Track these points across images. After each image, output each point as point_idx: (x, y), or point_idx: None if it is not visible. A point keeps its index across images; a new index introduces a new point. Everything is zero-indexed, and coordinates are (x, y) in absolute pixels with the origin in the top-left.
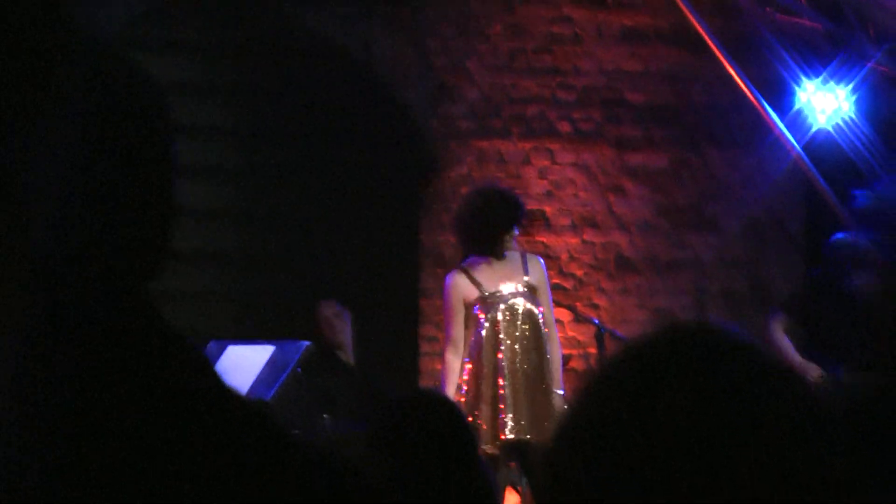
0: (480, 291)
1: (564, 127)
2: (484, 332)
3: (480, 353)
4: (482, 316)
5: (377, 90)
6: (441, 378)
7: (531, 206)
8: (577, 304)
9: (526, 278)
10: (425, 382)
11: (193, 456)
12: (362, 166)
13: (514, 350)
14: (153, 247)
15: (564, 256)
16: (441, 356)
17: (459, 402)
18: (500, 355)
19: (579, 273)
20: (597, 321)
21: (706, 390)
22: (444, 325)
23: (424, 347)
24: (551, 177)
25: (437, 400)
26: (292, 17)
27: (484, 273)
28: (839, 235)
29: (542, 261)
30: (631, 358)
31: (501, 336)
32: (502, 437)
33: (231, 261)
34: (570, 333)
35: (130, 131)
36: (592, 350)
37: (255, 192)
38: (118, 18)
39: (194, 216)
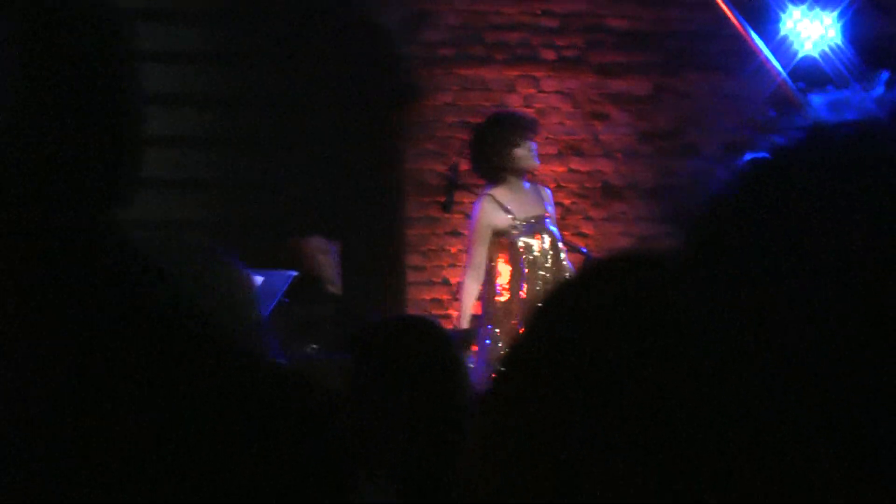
0: (509, 217)
1: (548, 54)
2: (512, 259)
3: (520, 277)
4: (506, 245)
5: (355, 15)
6: (460, 302)
7: None
8: (566, 232)
9: (542, 209)
10: (412, 311)
11: (160, 374)
12: (343, 93)
13: (544, 276)
14: (122, 173)
15: (553, 185)
16: (461, 281)
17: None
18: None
19: (567, 202)
20: (584, 249)
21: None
22: (466, 249)
23: (411, 276)
24: (537, 105)
25: (424, 323)
26: None
27: (511, 200)
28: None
29: (550, 193)
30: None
31: (529, 264)
32: None
33: (213, 189)
34: None
35: (92, 54)
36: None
37: (235, 119)
38: None
39: (176, 144)
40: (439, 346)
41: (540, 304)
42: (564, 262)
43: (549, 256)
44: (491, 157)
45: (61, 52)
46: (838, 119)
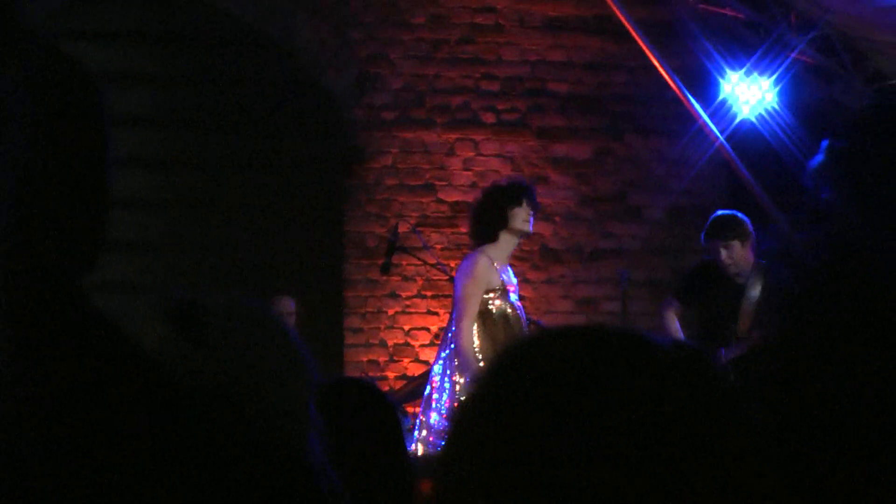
0: (501, 283)
1: (488, 118)
2: (497, 322)
3: (494, 339)
4: (495, 306)
5: (301, 79)
6: (463, 349)
7: (455, 197)
8: None
9: (514, 280)
10: (350, 373)
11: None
12: (287, 155)
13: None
14: (90, 238)
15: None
16: (458, 331)
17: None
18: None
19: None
20: (541, 322)
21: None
22: (458, 301)
23: (349, 339)
24: (476, 168)
25: (366, 386)
26: (215, 4)
27: (501, 265)
28: (718, 213)
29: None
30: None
31: (504, 329)
32: None
33: (157, 250)
34: None
35: (65, 123)
36: None
37: (179, 181)
38: (43, 8)
39: (118, 205)
40: (378, 408)
41: (496, 371)
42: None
43: (517, 326)
44: (491, 212)
45: (47, 133)
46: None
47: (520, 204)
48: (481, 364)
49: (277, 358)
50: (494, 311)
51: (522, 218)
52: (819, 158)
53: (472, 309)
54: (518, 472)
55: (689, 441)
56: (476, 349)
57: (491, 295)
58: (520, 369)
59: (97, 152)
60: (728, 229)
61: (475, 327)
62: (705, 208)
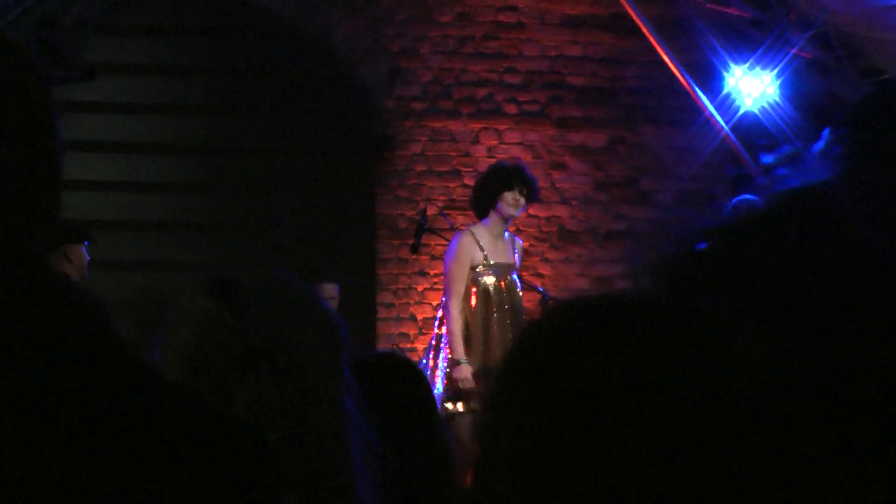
0: (484, 257)
1: (510, 108)
2: (477, 298)
3: (474, 312)
4: (482, 279)
5: (337, 71)
6: (449, 329)
7: None
8: (524, 273)
9: (516, 256)
10: (382, 345)
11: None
12: (323, 143)
13: (503, 320)
14: (34, 209)
15: (511, 229)
16: (446, 309)
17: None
18: (491, 325)
19: (525, 244)
20: (541, 289)
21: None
22: (447, 279)
23: (382, 313)
24: (499, 155)
25: (398, 359)
26: (258, 2)
27: (488, 243)
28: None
29: (521, 244)
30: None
31: (493, 305)
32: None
33: (203, 231)
34: None
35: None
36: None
37: (223, 166)
38: (97, 5)
39: (166, 190)
40: (413, 380)
41: (518, 349)
42: (519, 304)
43: (506, 304)
44: (484, 192)
45: None
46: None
47: (510, 188)
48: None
49: (310, 325)
50: (481, 284)
51: (508, 202)
52: (820, 145)
53: (457, 287)
54: (553, 445)
55: (715, 393)
56: (468, 322)
57: (479, 269)
58: (547, 341)
59: (35, 132)
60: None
61: (472, 301)
62: (710, 193)
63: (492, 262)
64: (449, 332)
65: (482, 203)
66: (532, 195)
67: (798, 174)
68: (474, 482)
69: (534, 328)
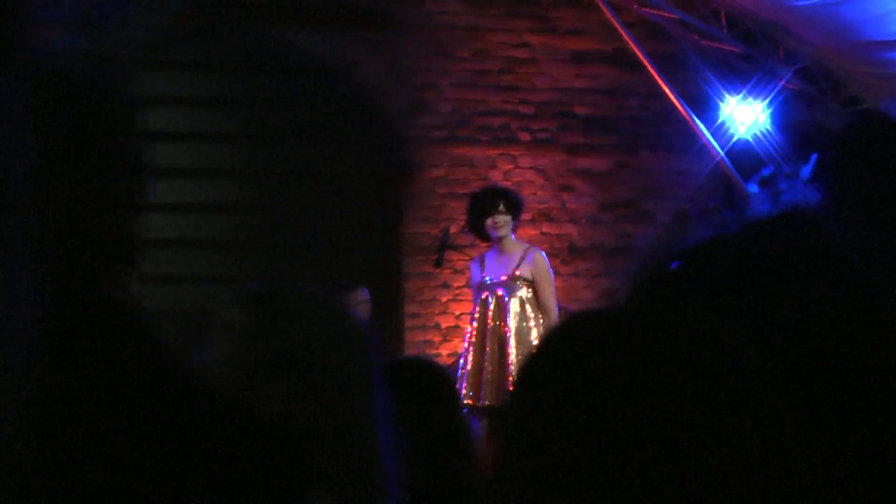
0: (482, 276)
1: (524, 136)
2: (475, 313)
3: (471, 328)
4: (480, 297)
5: (364, 103)
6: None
7: None
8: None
9: (517, 272)
10: (409, 351)
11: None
12: (353, 169)
13: (492, 332)
14: (118, 238)
15: (542, 247)
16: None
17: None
18: (485, 337)
19: None
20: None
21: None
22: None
23: (408, 322)
24: (514, 178)
25: (425, 363)
26: (291, 40)
27: (489, 262)
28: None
29: (544, 255)
30: (568, 329)
31: (490, 318)
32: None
33: (245, 248)
34: None
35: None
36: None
37: (263, 189)
38: (139, 43)
39: (211, 210)
40: (439, 381)
41: (536, 358)
42: (509, 321)
43: (490, 312)
44: (472, 224)
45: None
46: (771, 209)
47: (488, 213)
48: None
49: (342, 332)
50: (483, 296)
51: (490, 227)
52: (808, 169)
53: (475, 302)
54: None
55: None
56: (471, 334)
57: (478, 288)
58: (562, 347)
59: (124, 165)
60: None
61: (477, 314)
62: (706, 213)
63: (487, 281)
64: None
65: (477, 232)
66: (512, 205)
67: (784, 194)
68: (495, 475)
69: (551, 336)
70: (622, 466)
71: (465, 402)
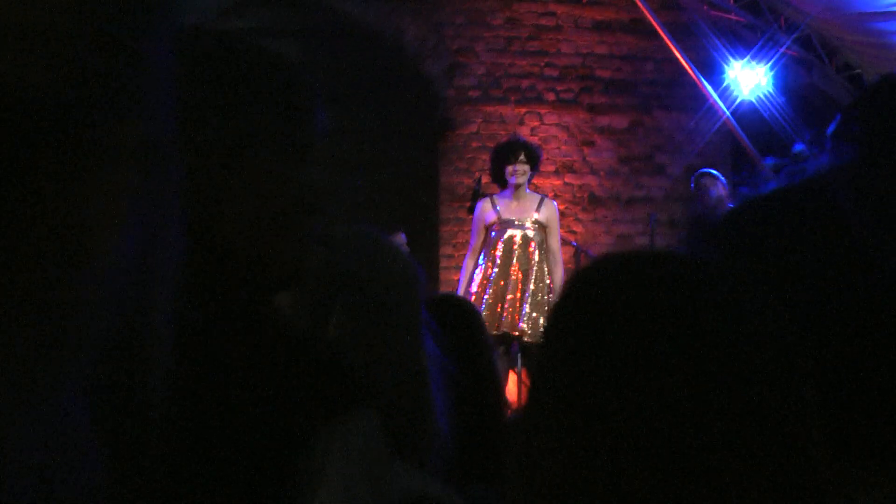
0: (498, 216)
1: (550, 96)
2: (496, 249)
3: (491, 262)
4: (494, 235)
5: (406, 66)
6: (460, 274)
7: None
8: (560, 230)
9: (536, 216)
10: (443, 289)
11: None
12: (396, 125)
13: (517, 265)
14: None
15: (550, 195)
16: (465, 259)
17: (470, 293)
18: (510, 269)
19: (561, 207)
20: (574, 243)
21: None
22: (472, 235)
23: (443, 263)
24: (540, 134)
25: (457, 299)
26: (342, 9)
27: (504, 204)
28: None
29: (555, 204)
30: (599, 267)
31: (507, 252)
32: (496, 330)
33: None
34: None
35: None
36: (570, 266)
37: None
38: (211, 11)
39: None
40: (471, 316)
41: (565, 301)
42: (536, 261)
43: (522, 250)
44: (493, 171)
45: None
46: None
47: (509, 162)
48: (474, 282)
49: (392, 265)
50: (494, 239)
51: (510, 173)
52: (833, 126)
53: (475, 240)
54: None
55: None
56: (477, 269)
57: (494, 224)
58: (588, 288)
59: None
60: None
61: (498, 250)
62: (714, 167)
63: (503, 219)
64: (463, 270)
65: (497, 178)
66: (532, 156)
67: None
68: (527, 409)
69: (579, 277)
70: (647, 407)
71: None
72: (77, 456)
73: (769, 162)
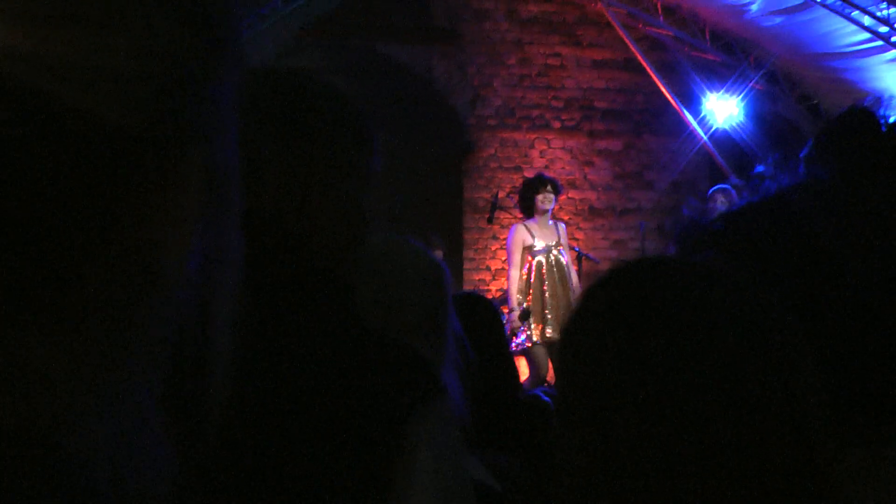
0: (533, 241)
1: (556, 124)
2: (533, 269)
3: (531, 281)
4: (530, 258)
5: (435, 98)
6: (508, 288)
7: (533, 174)
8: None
9: (557, 238)
10: (466, 287)
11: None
12: (425, 148)
13: (553, 282)
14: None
15: (556, 208)
16: (508, 276)
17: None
18: (544, 287)
19: (566, 218)
20: (577, 248)
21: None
22: (508, 256)
23: (466, 265)
24: (548, 156)
25: (477, 297)
26: (380, 51)
27: (536, 230)
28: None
29: (564, 226)
30: (614, 276)
31: (545, 273)
32: (540, 337)
33: None
34: None
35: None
36: (574, 267)
37: None
38: (271, 53)
39: None
40: (487, 310)
41: (583, 305)
42: (567, 274)
43: (554, 269)
44: (524, 199)
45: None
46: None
47: (538, 192)
48: (519, 300)
49: (425, 269)
50: (531, 262)
51: (540, 201)
52: (805, 150)
53: (514, 260)
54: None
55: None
56: (519, 289)
57: (533, 249)
58: (605, 295)
59: (361, 173)
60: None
61: (520, 273)
62: (694, 182)
63: (541, 245)
64: (508, 290)
65: (526, 207)
66: (556, 188)
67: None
68: (557, 402)
69: (595, 286)
70: (664, 402)
71: (534, 337)
72: (148, 450)
73: (734, 182)
